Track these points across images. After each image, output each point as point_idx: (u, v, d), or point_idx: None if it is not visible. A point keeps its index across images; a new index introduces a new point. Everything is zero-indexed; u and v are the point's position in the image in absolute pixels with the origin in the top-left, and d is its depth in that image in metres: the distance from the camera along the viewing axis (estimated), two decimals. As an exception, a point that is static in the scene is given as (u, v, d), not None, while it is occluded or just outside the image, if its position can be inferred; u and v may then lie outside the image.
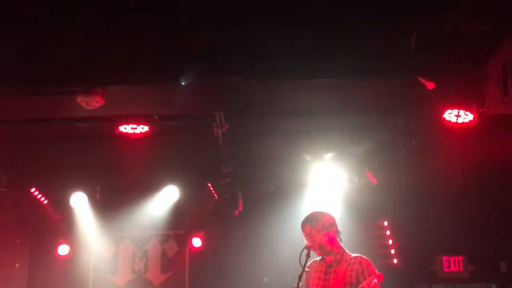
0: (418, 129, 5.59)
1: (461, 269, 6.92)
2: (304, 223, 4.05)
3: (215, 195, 7.31)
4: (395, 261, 7.01)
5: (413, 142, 5.93)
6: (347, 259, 3.94)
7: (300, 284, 3.74)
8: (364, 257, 3.94)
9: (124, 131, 5.35)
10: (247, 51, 3.98)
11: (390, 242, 7.10)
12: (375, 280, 3.58)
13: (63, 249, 7.58)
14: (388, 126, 5.68)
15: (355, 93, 4.78)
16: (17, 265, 7.58)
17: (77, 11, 3.77)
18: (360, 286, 3.61)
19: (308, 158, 6.48)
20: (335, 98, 4.91)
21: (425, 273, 6.87)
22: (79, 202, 7.36)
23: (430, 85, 4.10)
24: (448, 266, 6.94)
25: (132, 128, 5.33)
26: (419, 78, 4.10)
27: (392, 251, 7.04)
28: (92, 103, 4.08)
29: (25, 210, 7.40)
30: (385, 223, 7.20)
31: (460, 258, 6.96)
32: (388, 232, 7.15)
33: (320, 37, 3.83)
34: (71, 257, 7.70)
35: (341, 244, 4.07)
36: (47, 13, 3.71)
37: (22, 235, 7.68)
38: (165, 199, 7.35)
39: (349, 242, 4.14)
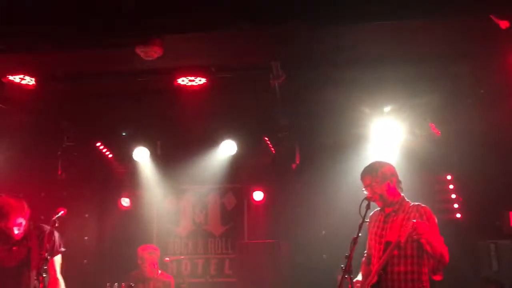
0: (486, 76, 5.25)
1: (529, 224, 6.61)
2: (364, 174, 4.02)
3: (272, 148, 7.33)
4: (458, 215, 6.80)
5: (482, 91, 5.60)
6: (405, 208, 3.89)
7: (359, 234, 3.73)
8: (423, 205, 3.87)
9: (182, 83, 5.41)
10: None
11: (454, 196, 6.87)
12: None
13: (125, 201, 7.94)
14: (453, 74, 5.37)
15: (418, 38, 4.51)
16: (86, 215, 8.03)
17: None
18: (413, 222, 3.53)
19: (367, 110, 6.30)
20: (397, 44, 4.67)
21: (490, 229, 6.60)
22: (141, 156, 7.63)
23: (503, 24, 3.77)
24: (515, 221, 6.63)
25: (190, 80, 5.38)
26: (491, 16, 3.78)
27: (456, 206, 6.82)
28: (150, 53, 4.12)
29: (92, 164, 7.76)
30: (449, 177, 6.95)
31: (529, 213, 6.63)
32: (451, 186, 6.91)
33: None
34: (136, 208, 8.06)
35: (402, 194, 4.01)
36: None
37: (91, 187, 8.09)
38: (222, 153, 7.47)
39: (409, 196, 4.05)
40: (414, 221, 3.49)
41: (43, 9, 4.13)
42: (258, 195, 7.85)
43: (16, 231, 4.23)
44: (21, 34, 4.18)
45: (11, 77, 5.19)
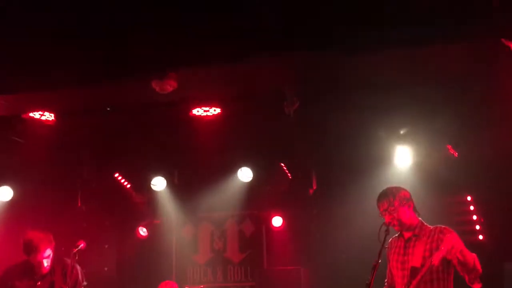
0: (502, 97, 5.22)
1: (556, 245, 6.44)
2: (381, 199, 3.99)
3: (289, 174, 7.32)
4: (480, 237, 6.67)
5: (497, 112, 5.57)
6: (426, 232, 3.85)
7: (380, 261, 3.69)
8: (444, 226, 3.84)
9: (197, 114, 5.49)
10: (314, 24, 3.91)
11: (475, 217, 6.75)
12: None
13: (142, 231, 7.96)
14: (468, 97, 5.36)
15: (434, 62, 4.53)
16: (106, 246, 8.06)
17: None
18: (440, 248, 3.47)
19: (383, 133, 6.29)
20: (413, 69, 4.70)
21: (515, 250, 6.46)
22: (159, 185, 7.69)
23: (514, 47, 3.80)
24: (541, 242, 6.47)
25: (204, 111, 5.46)
26: (503, 40, 3.80)
27: (477, 227, 6.70)
28: (165, 87, 4.22)
29: (111, 194, 7.83)
30: (468, 198, 6.85)
31: (555, 233, 6.46)
32: (472, 208, 6.80)
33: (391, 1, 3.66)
34: (154, 237, 8.08)
35: (419, 218, 3.98)
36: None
37: (110, 218, 8.14)
38: (239, 180, 7.48)
39: (428, 219, 4.01)
40: (447, 244, 3.43)
41: (60, 47, 4.28)
42: (277, 221, 7.78)
43: (45, 264, 4.27)
44: (41, 74, 4.32)
45: (31, 114, 5.34)
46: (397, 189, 3.98)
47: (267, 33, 4.04)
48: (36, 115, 5.42)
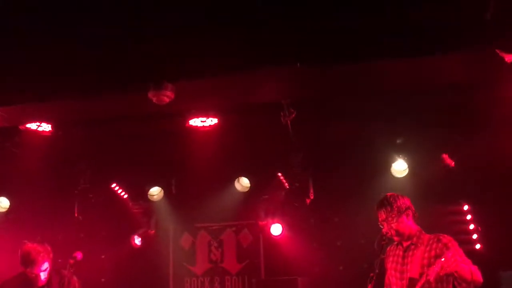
0: (498, 106, 5.27)
1: (554, 254, 6.44)
2: (379, 209, 3.97)
3: (286, 184, 7.32)
4: (477, 246, 6.67)
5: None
6: (424, 240, 3.84)
7: (377, 271, 3.67)
8: (443, 234, 3.83)
9: (194, 124, 5.51)
10: (308, 36, 3.95)
11: (472, 226, 6.76)
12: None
13: (137, 240, 7.91)
14: (465, 106, 5.41)
15: (428, 72, 4.57)
16: (103, 256, 8.02)
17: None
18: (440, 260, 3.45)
19: (380, 143, 6.32)
20: (410, 77, 4.73)
21: (512, 258, 6.47)
22: (156, 195, 7.67)
23: (509, 58, 3.84)
24: (538, 251, 6.48)
25: (201, 121, 5.48)
26: (497, 51, 3.85)
27: (475, 236, 6.70)
28: (163, 98, 4.23)
29: (108, 204, 7.80)
30: (465, 207, 6.86)
31: (552, 242, 6.47)
32: (469, 217, 6.80)
33: (383, 13, 3.70)
34: (152, 247, 8.04)
35: (418, 226, 3.98)
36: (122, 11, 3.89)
37: (107, 228, 8.11)
38: (236, 190, 7.48)
39: (425, 228, 4.01)
40: (443, 259, 3.40)
41: (56, 58, 4.30)
42: (276, 229, 7.66)
43: (42, 277, 4.26)
44: (38, 85, 4.34)
45: (28, 125, 5.35)
46: (395, 198, 3.94)
47: (265, 45, 4.07)
48: (33, 126, 5.43)
